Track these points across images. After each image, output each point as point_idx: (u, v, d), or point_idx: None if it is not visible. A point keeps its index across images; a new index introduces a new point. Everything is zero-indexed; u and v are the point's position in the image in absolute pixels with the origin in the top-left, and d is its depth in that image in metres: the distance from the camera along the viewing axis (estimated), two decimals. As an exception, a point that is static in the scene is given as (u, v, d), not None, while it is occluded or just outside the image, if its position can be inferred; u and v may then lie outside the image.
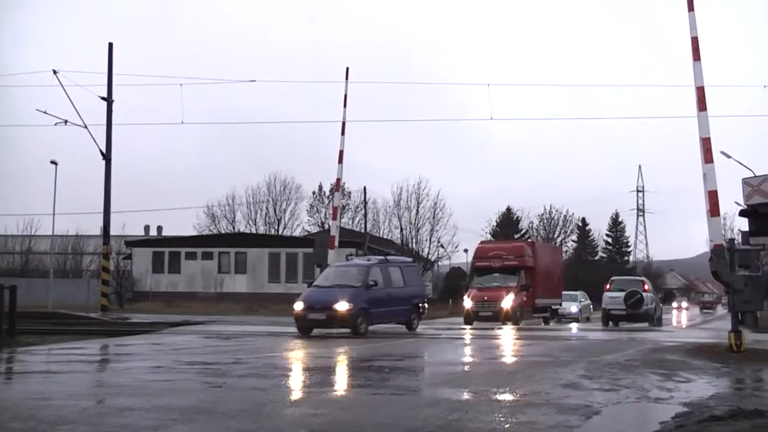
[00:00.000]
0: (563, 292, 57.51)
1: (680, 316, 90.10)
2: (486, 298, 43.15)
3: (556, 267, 53.06)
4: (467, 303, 43.54)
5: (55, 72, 38.94)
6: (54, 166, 55.05)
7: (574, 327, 43.28)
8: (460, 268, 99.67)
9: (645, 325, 41.89)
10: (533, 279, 45.85)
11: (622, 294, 43.56)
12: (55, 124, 40.76)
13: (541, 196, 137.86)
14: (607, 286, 46.72)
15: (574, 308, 56.98)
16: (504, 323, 40.47)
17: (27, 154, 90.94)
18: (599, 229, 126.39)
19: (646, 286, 46.56)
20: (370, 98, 80.00)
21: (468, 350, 25.09)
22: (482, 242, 55.37)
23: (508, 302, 42.37)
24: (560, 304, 51.93)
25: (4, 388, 16.42)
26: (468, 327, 39.32)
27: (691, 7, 24.39)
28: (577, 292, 61.87)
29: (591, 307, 62.80)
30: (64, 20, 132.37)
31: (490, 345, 26.84)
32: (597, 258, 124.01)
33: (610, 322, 43.84)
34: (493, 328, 36.36)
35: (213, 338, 28.71)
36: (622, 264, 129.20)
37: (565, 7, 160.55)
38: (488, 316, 42.16)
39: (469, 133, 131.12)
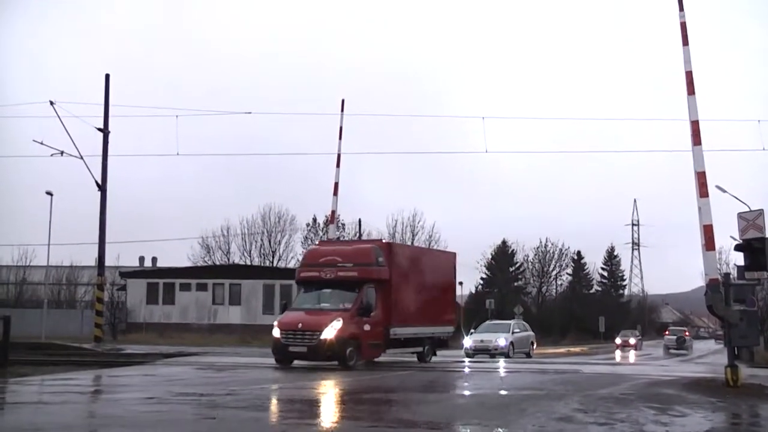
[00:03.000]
0: (494, 321, 56.15)
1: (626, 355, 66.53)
2: (300, 326, 29.28)
3: (438, 281, 35.90)
4: (275, 332, 29.82)
5: (52, 103, 38.99)
6: (49, 196, 55.03)
7: (465, 366, 34.06)
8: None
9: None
10: (388, 297, 31.21)
11: (674, 337, 76.39)
12: (51, 155, 40.78)
13: (536, 228, 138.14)
14: (666, 332, 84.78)
15: (501, 341, 46.84)
16: (329, 361, 29.00)
17: (22, 185, 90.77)
18: (594, 262, 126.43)
19: (687, 333, 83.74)
20: (367, 130, 79.96)
21: (456, 382, 25.02)
22: (320, 242, 39.79)
23: (330, 332, 28.53)
24: (449, 333, 36.89)
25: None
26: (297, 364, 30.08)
27: (685, 42, 24.53)
28: (511, 322, 53.23)
29: (533, 341, 51.86)
30: (61, 51, 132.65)
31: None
32: (592, 291, 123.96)
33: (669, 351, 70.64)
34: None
35: (206, 369, 28.59)
36: (616, 297, 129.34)
37: (562, 41, 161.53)
38: (302, 352, 29.24)
39: (465, 165, 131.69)
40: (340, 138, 41.31)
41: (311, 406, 18.10)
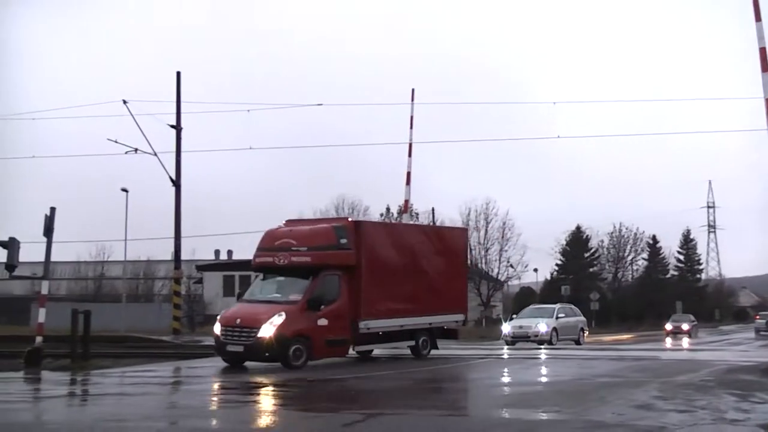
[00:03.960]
0: (537, 306, 53.55)
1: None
2: (238, 321, 25.04)
3: (440, 263, 30.04)
4: (216, 327, 25.89)
5: (125, 102, 39.40)
6: (125, 193, 55.69)
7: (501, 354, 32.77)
8: (530, 288, 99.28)
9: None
10: (356, 286, 26.56)
11: (764, 321, 70.10)
12: (126, 153, 41.20)
13: (610, 213, 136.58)
14: (756, 316, 77.23)
15: (542, 327, 43.10)
16: (269, 361, 24.85)
17: (98, 182, 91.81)
18: (670, 247, 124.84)
19: None
20: (438, 119, 79.83)
21: (536, 369, 24.94)
22: (286, 222, 29.04)
23: (268, 329, 24.19)
24: (458, 322, 30.94)
25: (80, 410, 16.59)
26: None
27: (758, 17, 24.17)
28: (555, 306, 48.62)
29: (583, 327, 47.14)
30: (133, 51, 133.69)
31: (551, 363, 26.65)
32: (668, 276, 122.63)
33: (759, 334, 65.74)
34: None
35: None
36: (693, 282, 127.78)
37: (632, 22, 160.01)
38: (239, 352, 24.90)
39: (537, 151, 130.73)
40: (411, 127, 41.35)
41: (402, 394, 18.12)
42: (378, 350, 29.18)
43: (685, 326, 71.38)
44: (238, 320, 24.96)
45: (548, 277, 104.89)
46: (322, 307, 25.30)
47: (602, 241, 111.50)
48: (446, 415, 14.72)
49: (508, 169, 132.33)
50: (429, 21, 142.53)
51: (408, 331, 28.58)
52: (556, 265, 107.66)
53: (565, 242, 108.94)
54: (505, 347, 39.78)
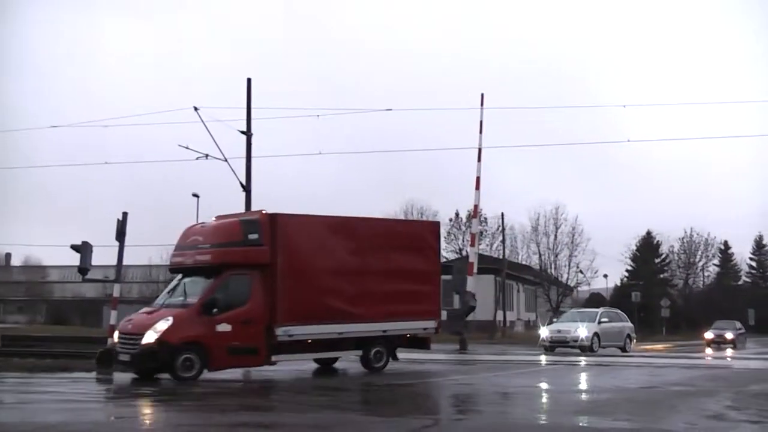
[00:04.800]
0: (580, 309, 50.44)
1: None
2: (130, 327, 23.11)
3: (401, 262, 26.27)
4: (114, 336, 24.24)
5: (196, 108, 39.64)
6: (196, 198, 56.22)
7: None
8: (600, 294, 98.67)
9: None
10: (271, 287, 23.53)
11: None
12: (197, 159, 41.44)
13: (681, 218, 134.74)
14: None
15: (582, 332, 39.76)
16: (156, 372, 22.52)
17: (170, 188, 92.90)
18: (742, 253, 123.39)
19: None
20: (507, 123, 79.53)
21: (602, 377, 24.79)
22: (217, 217, 25.97)
23: (151, 335, 21.97)
24: (427, 330, 26.92)
25: (161, 414, 16.75)
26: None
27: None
28: (599, 310, 45.55)
29: (630, 334, 43.57)
30: (204, 58, 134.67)
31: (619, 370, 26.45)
32: (740, 283, 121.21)
33: None
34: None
35: (349, 364, 28.78)
36: (765, 289, 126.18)
37: (702, 24, 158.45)
38: (126, 361, 22.70)
39: (606, 155, 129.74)
40: (481, 132, 41.26)
41: (470, 400, 18.12)
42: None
43: (729, 335, 60.98)
44: (130, 326, 23.07)
45: (618, 283, 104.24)
46: (223, 310, 22.55)
47: (672, 247, 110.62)
48: (512, 419, 14.69)
49: (577, 173, 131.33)
50: (498, 24, 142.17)
51: (354, 339, 25.10)
52: (626, 271, 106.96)
53: (635, 248, 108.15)
54: (543, 355, 37.22)
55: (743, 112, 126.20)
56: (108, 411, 16.93)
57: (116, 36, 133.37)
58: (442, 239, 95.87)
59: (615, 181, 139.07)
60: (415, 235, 27.62)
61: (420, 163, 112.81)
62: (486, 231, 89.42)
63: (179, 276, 24.71)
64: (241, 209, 41.69)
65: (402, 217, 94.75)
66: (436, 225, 29.54)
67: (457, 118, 79.50)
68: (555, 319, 45.19)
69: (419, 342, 27.23)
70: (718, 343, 58.67)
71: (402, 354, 26.75)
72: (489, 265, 70.66)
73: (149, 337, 21.78)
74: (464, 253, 78.00)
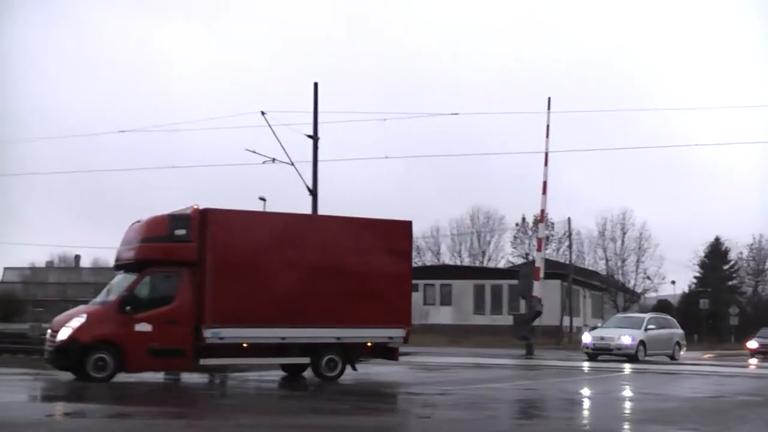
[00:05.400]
0: (626, 315, 48.82)
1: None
2: (54, 324, 22.41)
3: (361, 263, 24.23)
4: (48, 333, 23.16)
5: (263, 113, 39.88)
6: (263, 202, 56.46)
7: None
8: (667, 300, 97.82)
9: None
10: (200, 285, 22.06)
11: None
12: (263, 163, 41.63)
13: (750, 224, 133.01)
14: None
15: (626, 339, 37.71)
16: (67, 370, 21.75)
17: (237, 192, 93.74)
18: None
19: None
20: (574, 127, 79.23)
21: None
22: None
23: (64, 333, 21.18)
24: (395, 339, 24.76)
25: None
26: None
27: None
28: (645, 315, 44.01)
29: (678, 341, 41.51)
30: (272, 62, 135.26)
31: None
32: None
33: None
34: None
35: (419, 369, 28.89)
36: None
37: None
38: (48, 359, 22.29)
39: (675, 159, 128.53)
40: (548, 136, 41.24)
41: (533, 405, 18.15)
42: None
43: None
44: (54, 323, 22.23)
45: (686, 290, 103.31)
46: (143, 309, 21.41)
47: (741, 253, 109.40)
48: (580, 426, 14.69)
49: (645, 177, 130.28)
50: (563, 28, 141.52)
51: (303, 346, 23.22)
52: (694, 277, 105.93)
53: (703, 254, 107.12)
54: (586, 362, 36.01)
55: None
56: None
57: (184, 41, 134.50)
58: (509, 244, 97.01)
59: (683, 186, 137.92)
60: (381, 236, 25.06)
61: (486, 167, 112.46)
62: (552, 236, 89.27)
63: (120, 273, 23.29)
64: (308, 212, 42.03)
65: (468, 221, 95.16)
66: (407, 225, 25.96)
67: (524, 122, 79.49)
68: (599, 325, 43.11)
69: (384, 352, 25.09)
70: (764, 353, 51.68)
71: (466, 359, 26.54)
72: (555, 270, 70.33)
73: (63, 334, 20.97)
74: (531, 257, 77.90)
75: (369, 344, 24.28)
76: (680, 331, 42.59)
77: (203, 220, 22.15)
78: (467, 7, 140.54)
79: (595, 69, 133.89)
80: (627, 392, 21.72)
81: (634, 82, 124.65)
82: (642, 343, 37.89)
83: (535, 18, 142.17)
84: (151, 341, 20.99)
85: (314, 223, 25.81)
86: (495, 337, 54.27)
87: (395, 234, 25.37)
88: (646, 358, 37.35)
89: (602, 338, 38.59)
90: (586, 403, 18.53)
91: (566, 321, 66.34)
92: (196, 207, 22.53)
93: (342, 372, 23.36)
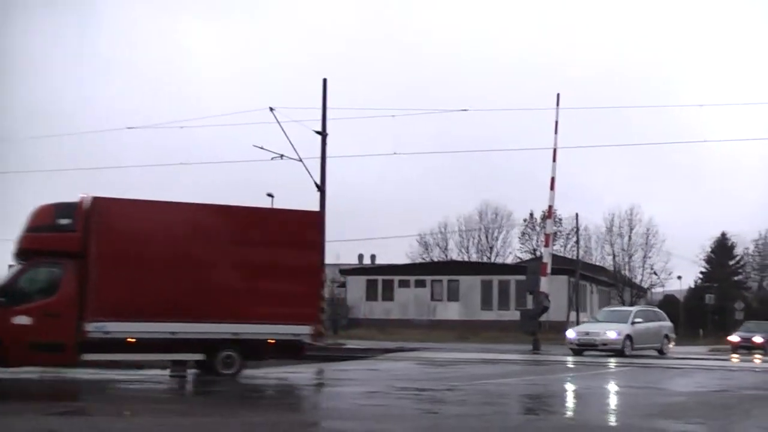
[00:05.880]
0: (613, 308, 47.72)
1: None
2: None
3: (263, 255, 23.04)
4: None
5: (271, 109, 39.94)
6: (270, 198, 56.54)
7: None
8: (673, 296, 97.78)
9: None
10: (82, 277, 21.03)
11: None
12: (272, 159, 41.75)
13: (757, 220, 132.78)
14: None
15: (611, 334, 36.86)
16: None
17: (245, 188, 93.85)
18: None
19: None
20: (583, 123, 79.28)
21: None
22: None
23: None
24: (299, 336, 23.19)
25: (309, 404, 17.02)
26: None
27: None
28: (632, 309, 43.94)
29: (667, 334, 40.60)
30: (281, 58, 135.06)
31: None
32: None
33: None
34: None
35: (427, 365, 28.96)
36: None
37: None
38: None
39: (683, 155, 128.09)
40: (556, 132, 41.29)
41: (541, 400, 18.24)
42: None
43: (759, 338, 51.25)
44: None
45: (692, 285, 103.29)
46: (24, 301, 20.52)
47: (747, 249, 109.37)
48: (589, 421, 14.77)
49: (653, 174, 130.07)
50: (573, 24, 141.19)
51: (197, 342, 21.91)
52: (701, 273, 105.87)
53: (709, 249, 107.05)
54: (592, 358, 34.65)
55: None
56: None
57: (192, 36, 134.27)
58: (517, 240, 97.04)
59: (691, 182, 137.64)
60: (287, 227, 23.81)
61: (496, 163, 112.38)
62: (560, 232, 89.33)
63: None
64: (316, 208, 42.07)
65: (477, 218, 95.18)
66: (316, 215, 25.28)
67: (534, 118, 79.40)
68: (585, 320, 42.09)
69: (289, 349, 23.68)
70: (746, 348, 49.87)
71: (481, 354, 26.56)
72: (563, 265, 70.36)
73: None
74: (538, 253, 78.02)
75: (272, 341, 22.81)
76: (669, 324, 41.86)
77: (89, 209, 21.26)
78: (478, 3, 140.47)
79: (604, 66, 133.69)
80: (633, 387, 21.77)
81: (644, 79, 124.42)
82: (629, 337, 37.05)
83: (547, 13, 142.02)
84: (31, 335, 20.08)
85: (212, 214, 23.53)
86: (502, 333, 54.29)
87: (303, 226, 24.26)
88: (633, 353, 36.39)
89: (587, 333, 38.04)
90: (593, 398, 18.60)
91: (573, 316, 66.33)
92: (84, 195, 21.51)
93: (240, 370, 22.28)
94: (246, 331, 22.15)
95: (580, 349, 37.13)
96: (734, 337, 52.24)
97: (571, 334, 38.79)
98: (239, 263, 22.52)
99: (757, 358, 39.01)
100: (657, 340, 39.27)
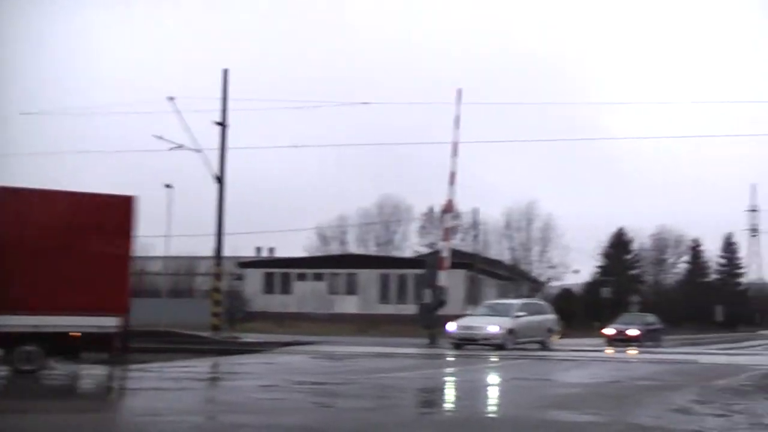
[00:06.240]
0: (497, 301, 44.97)
1: None
2: None
3: (55, 239, 21.13)
4: None
5: (171, 98, 39.61)
6: (169, 189, 55.97)
7: None
8: (570, 289, 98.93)
9: None
10: None
11: None
12: (170, 149, 41.45)
13: (653, 216, 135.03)
14: None
15: (493, 328, 35.66)
16: None
17: (143, 178, 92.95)
18: (712, 250, 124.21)
19: None
20: (484, 118, 79.81)
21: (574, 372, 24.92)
22: None
23: None
24: (106, 330, 21.55)
25: (117, 405, 16.75)
26: None
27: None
28: (516, 301, 42.17)
29: (551, 328, 39.76)
30: (180, 48, 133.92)
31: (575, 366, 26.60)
32: (709, 280, 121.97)
33: None
34: None
35: (323, 358, 28.86)
36: (734, 286, 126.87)
37: (686, 24, 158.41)
38: None
39: (581, 152, 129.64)
40: (457, 127, 41.38)
41: (437, 393, 18.22)
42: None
43: (633, 331, 49.86)
44: None
45: (589, 279, 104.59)
46: None
47: (644, 244, 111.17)
48: (484, 413, 14.77)
49: (552, 169, 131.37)
50: (476, 18, 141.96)
51: None
52: (598, 266, 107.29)
53: (607, 244, 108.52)
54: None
55: (716, 110, 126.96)
56: None
57: (94, 23, 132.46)
58: (416, 234, 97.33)
59: (590, 178, 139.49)
60: (94, 212, 22.15)
61: (396, 157, 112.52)
62: (459, 226, 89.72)
63: None
64: (215, 200, 41.71)
65: (376, 211, 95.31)
66: (127, 201, 22.55)
67: (435, 112, 79.66)
68: (469, 312, 40.31)
69: (98, 343, 21.69)
70: (621, 340, 47.76)
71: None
72: (461, 260, 70.70)
73: None
74: (437, 247, 78.32)
75: (75, 334, 21.15)
76: (553, 317, 40.83)
77: None
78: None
79: (508, 61, 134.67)
80: (528, 379, 21.87)
81: (546, 75, 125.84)
82: (510, 331, 36.01)
83: (453, 8, 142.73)
84: None
85: (5, 196, 21.33)
86: (401, 327, 54.37)
87: (112, 211, 22.32)
88: (515, 347, 35.13)
89: (468, 327, 36.54)
90: (489, 391, 18.67)
91: (471, 310, 66.74)
92: None
93: (43, 365, 20.70)
94: (46, 324, 20.53)
95: (461, 343, 36.01)
96: (609, 330, 50.83)
97: (452, 327, 37.15)
98: (38, 250, 20.81)
99: (632, 351, 38.75)
100: (540, 333, 38.47)
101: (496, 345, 34.92)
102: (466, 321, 37.52)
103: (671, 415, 14.00)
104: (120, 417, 13.94)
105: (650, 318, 54.73)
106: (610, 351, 38.93)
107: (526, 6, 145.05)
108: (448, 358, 28.39)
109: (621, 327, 50.80)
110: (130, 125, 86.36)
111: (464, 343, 35.86)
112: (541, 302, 43.73)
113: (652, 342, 48.90)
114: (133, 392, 18.81)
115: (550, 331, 39.14)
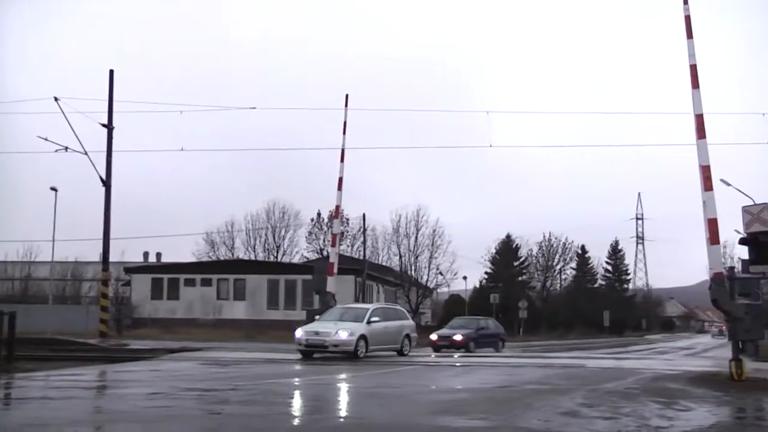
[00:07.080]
0: (349, 306, 41.02)
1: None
2: None
3: None
4: None
5: (56, 99, 39.06)
6: (54, 192, 55.15)
7: None
8: (459, 295, 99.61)
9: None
10: None
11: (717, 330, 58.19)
12: (56, 151, 40.93)
13: (540, 223, 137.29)
14: (711, 327, 63.57)
15: (343, 334, 33.72)
16: None
17: (27, 181, 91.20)
18: (599, 257, 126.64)
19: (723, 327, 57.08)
20: (373, 125, 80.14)
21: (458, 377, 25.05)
22: None
23: None
24: None
25: (1, 415, 16.37)
26: None
27: (689, 35, 24.53)
28: (369, 306, 39.94)
29: (409, 334, 37.86)
30: (66, 48, 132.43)
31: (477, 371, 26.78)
32: (596, 286, 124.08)
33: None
34: None
35: (211, 365, 28.62)
36: (621, 292, 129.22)
37: (567, 35, 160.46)
38: None
39: (469, 160, 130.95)
40: (344, 133, 41.37)
41: (324, 400, 18.15)
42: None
43: (459, 336, 48.30)
44: None
45: (477, 285, 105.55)
46: None
47: (531, 250, 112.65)
48: (374, 420, 14.72)
49: (441, 177, 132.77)
50: (365, 27, 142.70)
51: None
52: (486, 273, 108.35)
53: (494, 250, 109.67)
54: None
55: (602, 121, 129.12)
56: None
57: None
58: (304, 239, 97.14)
59: (478, 186, 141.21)
60: None
61: (284, 162, 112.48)
62: (348, 232, 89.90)
63: None
64: (101, 204, 41.14)
65: (264, 216, 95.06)
66: None
67: (324, 117, 79.80)
68: (317, 317, 37.67)
69: None
70: (446, 346, 47.44)
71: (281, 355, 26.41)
72: (350, 265, 71.07)
73: None
74: (325, 253, 78.26)
75: None
76: (411, 323, 39.51)
77: None
78: (273, 3, 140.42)
79: (398, 69, 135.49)
80: (416, 385, 21.90)
81: (436, 84, 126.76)
82: (363, 337, 34.23)
83: (340, 14, 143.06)
84: None
85: None
86: (289, 332, 54.24)
87: None
88: (368, 355, 34.02)
89: (317, 333, 34.25)
90: (379, 397, 18.59)
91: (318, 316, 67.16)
92: None
93: None
94: None
95: (309, 350, 34.07)
96: (434, 335, 49.58)
97: (299, 333, 34.94)
98: None
99: (457, 356, 38.22)
100: (396, 340, 36.85)
101: (347, 353, 33.46)
102: (314, 326, 35.37)
103: (560, 418, 14.11)
104: (4, 428, 13.60)
105: (485, 322, 53.55)
106: (432, 357, 38.45)
107: (418, 15, 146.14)
108: (337, 365, 28.25)
109: (447, 332, 49.83)
110: (15, 125, 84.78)
111: (313, 350, 34.04)
112: (399, 308, 41.77)
113: (488, 348, 48.67)
114: (18, 402, 18.39)
115: (408, 338, 37.61)
